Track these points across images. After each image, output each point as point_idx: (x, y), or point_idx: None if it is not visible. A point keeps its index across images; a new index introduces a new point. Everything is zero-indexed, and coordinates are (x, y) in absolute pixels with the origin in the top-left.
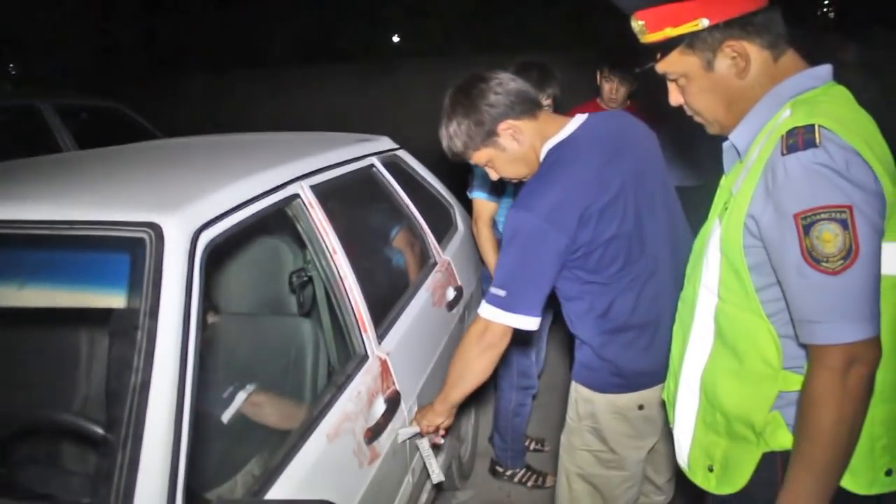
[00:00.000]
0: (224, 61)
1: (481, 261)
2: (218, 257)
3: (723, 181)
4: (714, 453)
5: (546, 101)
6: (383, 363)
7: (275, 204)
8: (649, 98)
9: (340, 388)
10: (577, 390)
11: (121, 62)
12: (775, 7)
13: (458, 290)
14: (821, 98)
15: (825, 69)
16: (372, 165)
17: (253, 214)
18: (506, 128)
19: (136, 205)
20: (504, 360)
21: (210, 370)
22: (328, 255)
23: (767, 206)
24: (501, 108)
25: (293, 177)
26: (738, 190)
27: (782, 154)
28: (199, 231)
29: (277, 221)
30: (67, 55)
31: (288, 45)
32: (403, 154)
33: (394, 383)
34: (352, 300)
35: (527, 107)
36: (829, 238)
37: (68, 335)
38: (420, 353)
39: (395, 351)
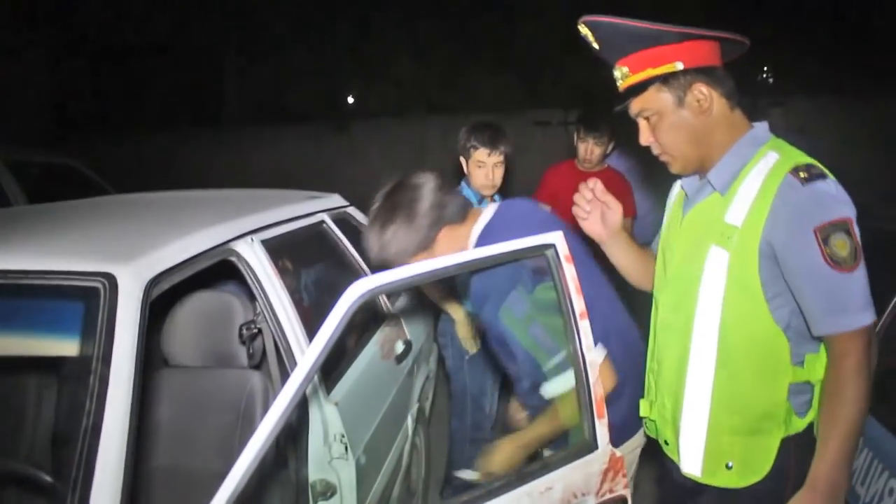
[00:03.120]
0: (177, 119)
1: (437, 314)
2: (169, 308)
3: (690, 216)
4: (732, 452)
5: (498, 159)
6: None
7: (225, 257)
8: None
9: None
10: None
11: (75, 120)
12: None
13: (408, 344)
14: (785, 144)
15: (766, 124)
16: (322, 221)
17: (203, 266)
18: (444, 235)
19: (91, 255)
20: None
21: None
22: (277, 308)
23: (780, 229)
24: (440, 214)
25: (244, 231)
26: (742, 222)
27: (802, 184)
28: (153, 281)
29: (228, 274)
30: (19, 113)
31: (242, 105)
32: (353, 211)
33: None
34: (301, 353)
35: (461, 210)
36: (842, 244)
37: (18, 382)
38: (368, 404)
39: (343, 401)
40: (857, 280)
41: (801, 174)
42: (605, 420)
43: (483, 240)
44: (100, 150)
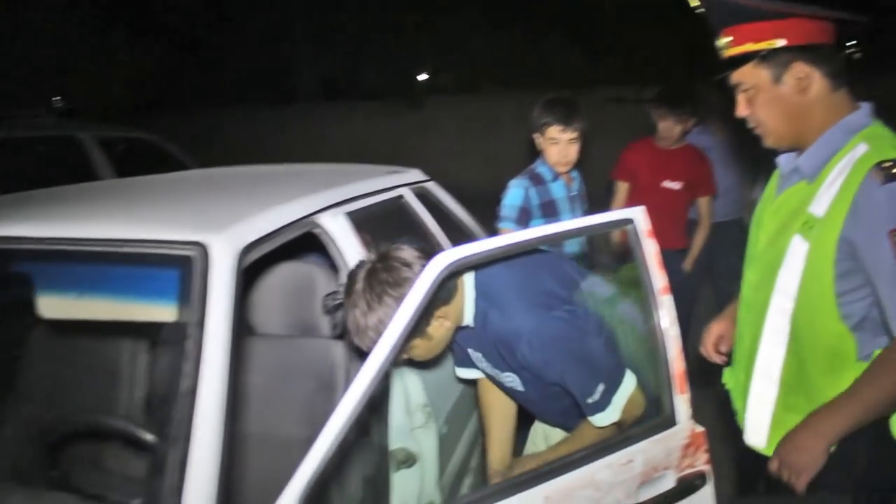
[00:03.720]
0: (252, 97)
1: None
2: (257, 277)
3: (781, 198)
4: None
5: (573, 135)
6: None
7: (310, 229)
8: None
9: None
10: None
11: (154, 98)
12: (842, 48)
13: None
14: (883, 133)
15: (871, 107)
16: (402, 196)
17: (290, 237)
18: (440, 314)
19: (185, 225)
20: None
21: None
22: None
23: (858, 227)
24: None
25: (329, 203)
26: (825, 213)
27: (882, 183)
28: (245, 250)
29: (313, 245)
30: (103, 91)
31: (316, 82)
32: (433, 186)
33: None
34: None
35: (452, 287)
36: None
37: (119, 345)
38: (450, 374)
39: (425, 371)
40: None
41: (884, 172)
42: (687, 395)
43: (482, 303)
44: (177, 126)
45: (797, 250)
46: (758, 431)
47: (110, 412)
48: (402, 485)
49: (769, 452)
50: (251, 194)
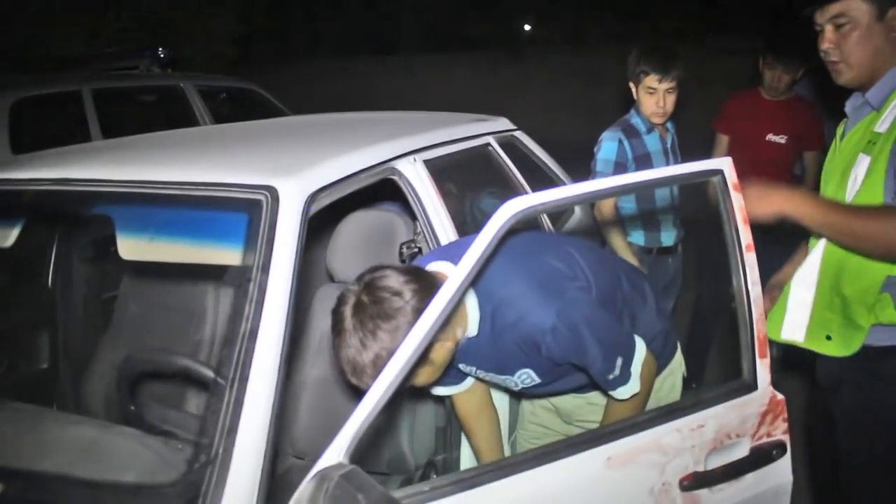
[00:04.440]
0: (357, 48)
1: (602, 243)
2: (330, 223)
3: (850, 133)
4: (830, 327)
5: (670, 85)
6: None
7: (387, 175)
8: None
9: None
10: None
11: (259, 48)
12: None
13: None
14: None
15: None
16: (488, 144)
17: (365, 184)
18: (440, 338)
19: (256, 170)
20: None
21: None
22: (437, 227)
23: None
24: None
25: (407, 150)
26: (883, 128)
27: None
28: (313, 196)
29: (389, 192)
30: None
31: (419, 33)
32: (521, 136)
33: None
34: None
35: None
36: None
37: (189, 286)
38: None
39: None
40: None
41: None
42: (767, 360)
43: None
44: (282, 76)
45: (861, 166)
46: (799, 328)
47: (184, 352)
48: None
49: (808, 345)
50: (328, 141)
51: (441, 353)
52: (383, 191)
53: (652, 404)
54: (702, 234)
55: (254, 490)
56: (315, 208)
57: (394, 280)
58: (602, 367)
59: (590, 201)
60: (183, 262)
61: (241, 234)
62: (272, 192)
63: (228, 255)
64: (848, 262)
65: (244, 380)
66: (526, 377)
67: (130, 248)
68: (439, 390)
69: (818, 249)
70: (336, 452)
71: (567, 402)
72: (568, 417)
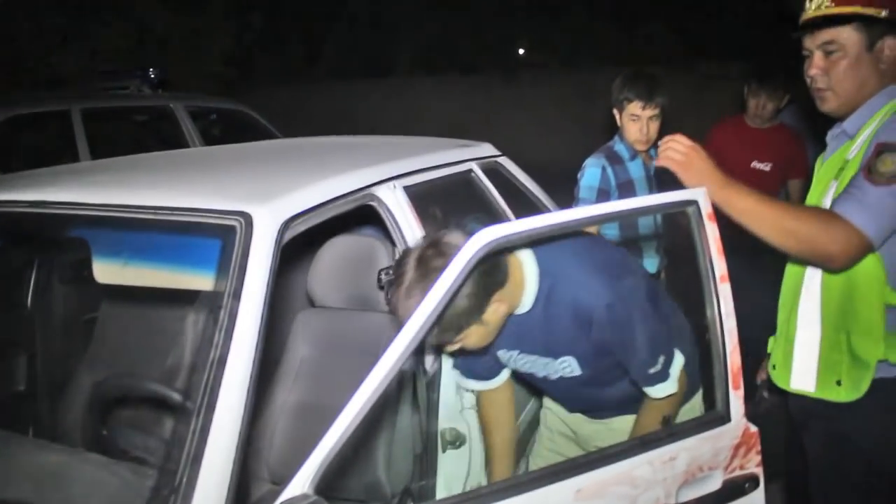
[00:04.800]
0: (350, 71)
1: None
2: (306, 250)
3: (827, 162)
4: (839, 370)
5: (653, 112)
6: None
7: (366, 202)
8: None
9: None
10: None
11: (253, 71)
12: None
13: None
14: None
15: None
16: (471, 171)
17: (342, 210)
18: (496, 299)
19: (231, 196)
20: None
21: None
22: None
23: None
24: (489, 281)
25: (386, 176)
26: (853, 155)
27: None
28: (287, 222)
29: (368, 219)
30: (200, 62)
31: (414, 56)
32: (505, 161)
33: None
34: None
35: (504, 271)
36: (889, 163)
37: (166, 311)
38: None
39: None
40: (882, 196)
41: None
42: (741, 392)
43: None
44: (273, 99)
45: (830, 192)
46: (808, 377)
47: (158, 377)
48: (450, 465)
49: (819, 395)
50: (307, 166)
51: (496, 314)
52: (364, 215)
53: None
54: (685, 262)
55: None
56: (290, 235)
57: (459, 238)
58: (645, 359)
59: (566, 231)
60: (157, 286)
61: (213, 260)
62: (246, 218)
63: (201, 280)
64: (848, 291)
65: (211, 407)
66: (567, 366)
67: (106, 271)
68: (470, 384)
69: (814, 285)
70: (301, 482)
71: (587, 427)
72: (586, 444)
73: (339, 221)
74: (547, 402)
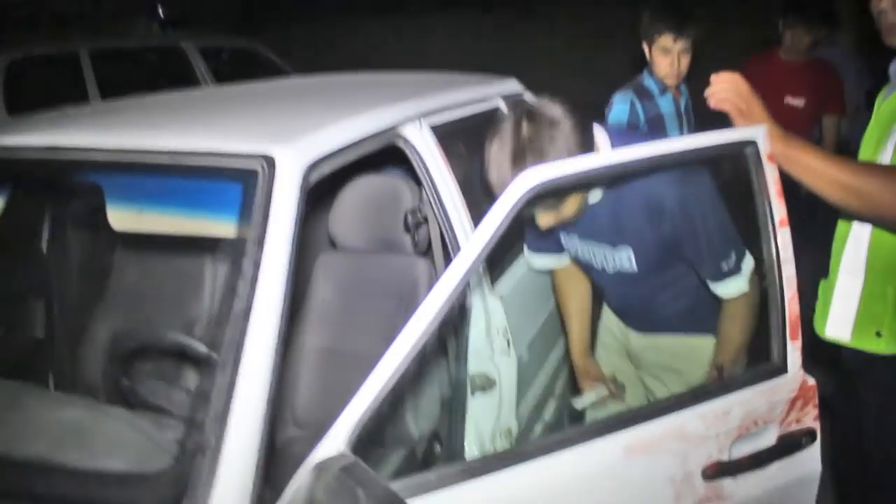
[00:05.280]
0: (364, 7)
1: None
2: (331, 192)
3: (886, 103)
4: (882, 322)
5: (684, 45)
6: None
7: (392, 141)
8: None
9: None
10: None
11: (262, 7)
12: None
13: None
14: None
15: None
16: (497, 109)
17: (367, 151)
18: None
19: (252, 137)
20: None
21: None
22: (444, 195)
23: None
24: (589, 147)
25: (411, 115)
26: None
27: None
28: (313, 165)
29: (393, 159)
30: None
31: None
32: (531, 97)
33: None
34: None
35: (594, 145)
36: None
37: (183, 259)
38: (533, 301)
39: (507, 296)
40: None
41: None
42: (799, 342)
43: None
44: (286, 36)
45: (893, 137)
46: (845, 325)
47: (178, 327)
48: (479, 409)
49: (853, 344)
50: (329, 104)
51: (572, 205)
52: (388, 154)
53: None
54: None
55: (247, 480)
56: (315, 178)
57: (555, 110)
58: (718, 251)
59: (616, 173)
60: (175, 234)
61: (235, 206)
62: (269, 162)
63: (222, 227)
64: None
65: (237, 359)
66: (626, 259)
67: (121, 218)
68: (539, 260)
69: (864, 233)
70: (336, 441)
71: (636, 342)
72: (637, 361)
73: (360, 161)
74: (604, 316)
